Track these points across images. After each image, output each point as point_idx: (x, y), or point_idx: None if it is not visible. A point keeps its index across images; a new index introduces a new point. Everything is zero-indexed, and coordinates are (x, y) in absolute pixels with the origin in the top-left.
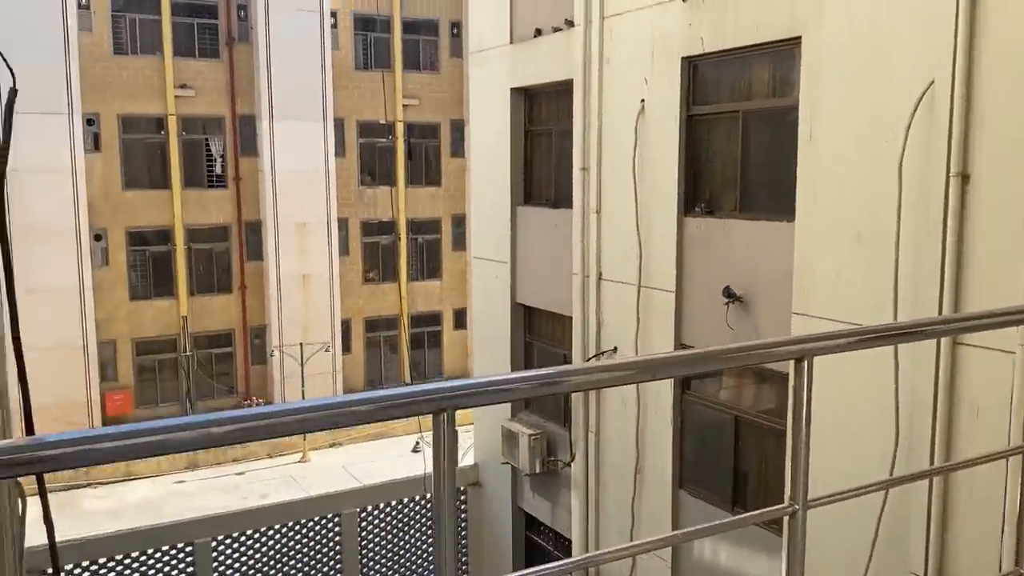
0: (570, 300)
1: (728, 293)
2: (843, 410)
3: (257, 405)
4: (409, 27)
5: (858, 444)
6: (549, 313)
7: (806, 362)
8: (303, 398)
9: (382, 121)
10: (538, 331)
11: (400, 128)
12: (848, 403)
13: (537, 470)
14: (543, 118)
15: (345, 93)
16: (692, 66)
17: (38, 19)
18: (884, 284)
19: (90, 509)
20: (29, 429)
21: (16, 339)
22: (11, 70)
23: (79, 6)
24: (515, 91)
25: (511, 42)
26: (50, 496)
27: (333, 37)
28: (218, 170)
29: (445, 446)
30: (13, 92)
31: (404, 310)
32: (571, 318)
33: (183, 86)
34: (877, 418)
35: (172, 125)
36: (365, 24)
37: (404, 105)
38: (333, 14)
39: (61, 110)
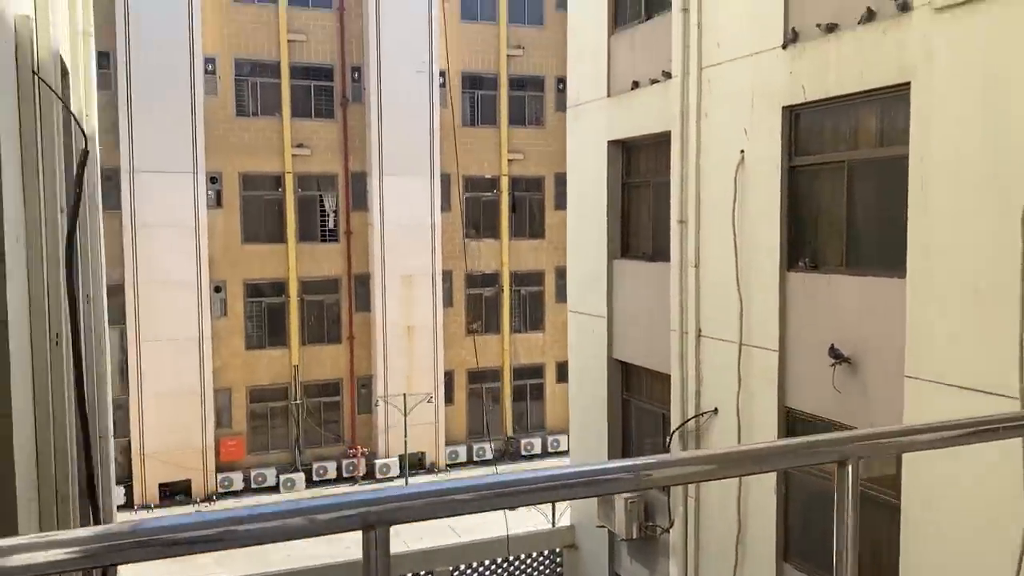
0: (668, 357)
1: (834, 353)
2: (961, 500)
3: (362, 455)
4: (516, 84)
5: (980, 541)
6: (647, 370)
7: (850, 466)
8: (405, 449)
9: (487, 175)
10: (636, 388)
11: (505, 182)
12: (967, 491)
13: (634, 535)
14: (641, 170)
15: (452, 149)
16: (794, 115)
17: (168, 86)
18: (1007, 346)
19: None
20: (93, 502)
21: (82, 405)
22: (84, 133)
23: (206, 72)
24: (612, 143)
25: (608, 95)
26: None
27: (442, 96)
28: (330, 225)
29: (377, 570)
30: (85, 154)
31: (507, 362)
32: (670, 376)
33: (299, 145)
34: (1003, 511)
35: (289, 182)
36: (473, 82)
37: (509, 160)
38: (442, 74)
39: (187, 169)
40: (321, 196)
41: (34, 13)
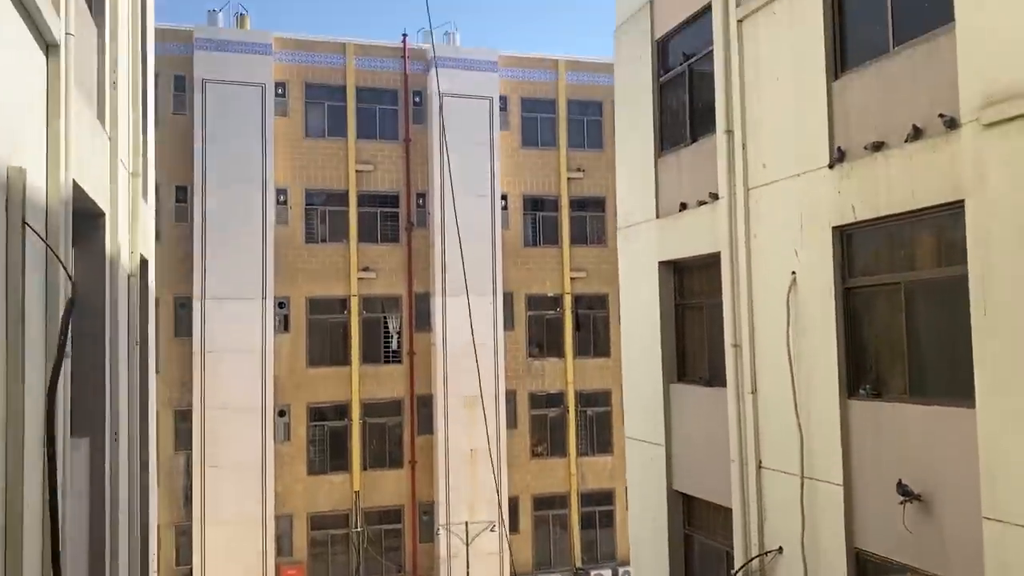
0: (729, 489)
1: (903, 490)
2: None
3: None
4: (576, 204)
5: None
6: (708, 503)
7: None
8: None
9: (550, 294)
10: (698, 522)
11: (568, 300)
12: None
13: None
14: (693, 291)
15: (515, 269)
16: (845, 235)
17: (241, 217)
18: None
19: None
20: None
21: (55, 531)
22: (72, 282)
23: (277, 203)
24: (663, 264)
25: (657, 216)
26: None
27: (504, 218)
28: (394, 346)
29: None
30: (71, 303)
31: (574, 487)
32: (731, 510)
33: (365, 268)
34: None
35: (354, 305)
36: (535, 204)
37: (572, 278)
38: (504, 197)
39: (256, 295)
40: (385, 318)
41: (46, 161)
